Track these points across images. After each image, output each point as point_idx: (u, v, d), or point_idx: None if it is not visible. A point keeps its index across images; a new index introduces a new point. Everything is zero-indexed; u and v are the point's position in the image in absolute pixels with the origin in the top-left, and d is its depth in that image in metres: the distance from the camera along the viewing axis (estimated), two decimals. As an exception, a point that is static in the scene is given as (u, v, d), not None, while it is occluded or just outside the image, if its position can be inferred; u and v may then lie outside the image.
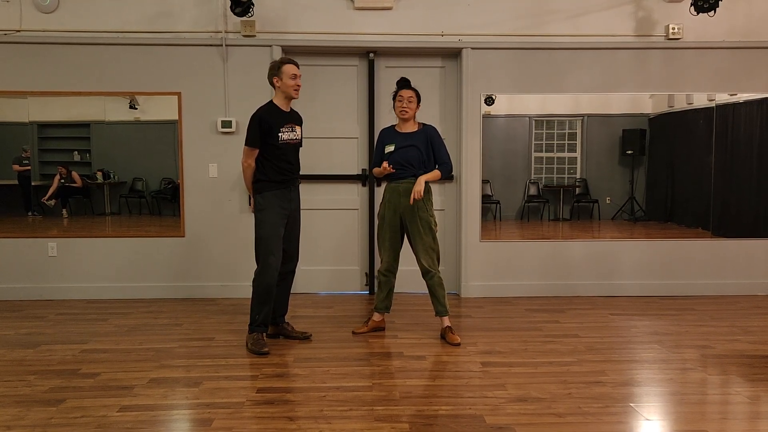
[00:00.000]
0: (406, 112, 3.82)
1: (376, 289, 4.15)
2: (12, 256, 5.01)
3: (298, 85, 3.69)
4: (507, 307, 4.78)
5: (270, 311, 3.73)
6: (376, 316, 4.08)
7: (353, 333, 4.03)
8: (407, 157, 3.80)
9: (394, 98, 3.89)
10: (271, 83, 3.70)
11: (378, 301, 4.03)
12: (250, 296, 3.75)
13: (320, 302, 4.92)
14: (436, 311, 3.90)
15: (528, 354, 3.60)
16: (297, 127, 3.77)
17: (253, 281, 3.69)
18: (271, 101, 3.74)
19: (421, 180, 3.71)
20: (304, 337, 3.91)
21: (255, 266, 5.04)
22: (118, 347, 3.73)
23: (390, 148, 3.85)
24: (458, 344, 3.76)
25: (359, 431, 2.57)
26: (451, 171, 3.84)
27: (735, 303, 4.93)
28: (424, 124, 3.91)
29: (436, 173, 3.80)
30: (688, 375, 3.26)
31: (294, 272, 3.92)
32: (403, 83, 3.87)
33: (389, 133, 3.93)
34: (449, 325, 3.89)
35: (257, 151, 3.65)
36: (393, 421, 2.65)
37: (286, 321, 3.98)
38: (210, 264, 5.09)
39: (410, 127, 3.89)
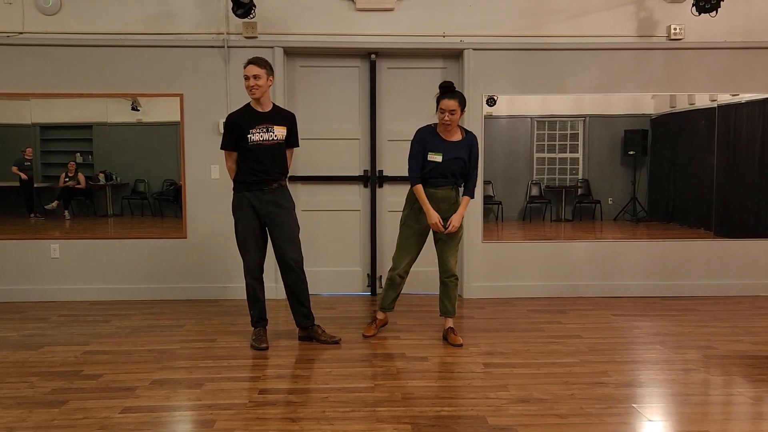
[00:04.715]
0: (449, 125, 3.63)
1: (383, 288, 4.06)
2: (14, 257, 5.02)
3: (251, 86, 3.59)
4: (509, 308, 4.77)
5: (261, 308, 3.80)
6: (380, 314, 4.06)
7: (364, 336, 3.98)
8: (452, 168, 3.70)
9: (437, 101, 3.66)
10: None
11: (388, 301, 3.98)
12: None
13: (322, 303, 4.91)
14: (443, 311, 3.89)
15: (530, 355, 3.60)
16: (276, 126, 3.67)
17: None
18: (248, 102, 3.75)
19: (461, 217, 3.73)
20: (333, 342, 3.84)
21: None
22: (120, 349, 3.73)
23: (437, 158, 3.65)
24: (460, 345, 3.76)
25: (361, 432, 2.57)
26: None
27: (737, 303, 4.92)
28: (467, 131, 3.76)
29: (466, 204, 3.78)
30: (691, 376, 3.25)
31: (296, 275, 3.73)
32: (445, 90, 3.60)
33: (432, 138, 3.70)
34: (452, 326, 3.89)
35: (234, 153, 3.71)
36: (395, 422, 2.65)
37: (317, 324, 3.90)
38: (212, 265, 5.09)
39: (456, 135, 3.72)
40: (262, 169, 3.65)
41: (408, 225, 3.82)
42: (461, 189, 3.85)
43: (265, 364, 3.45)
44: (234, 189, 3.74)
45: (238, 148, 3.66)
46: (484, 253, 5.16)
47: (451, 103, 3.57)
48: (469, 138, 3.76)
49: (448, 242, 3.79)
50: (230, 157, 3.72)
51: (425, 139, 3.71)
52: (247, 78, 3.60)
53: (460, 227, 3.81)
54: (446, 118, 3.60)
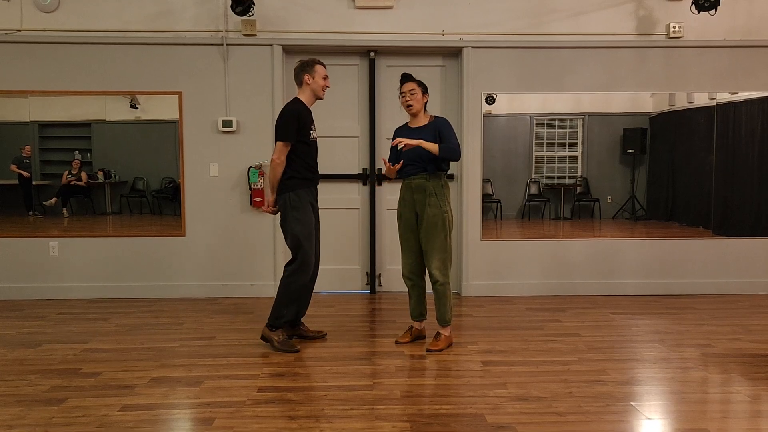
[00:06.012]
0: (412, 105, 3.68)
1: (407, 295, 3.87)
2: (13, 255, 5.01)
3: (327, 86, 3.73)
4: (508, 306, 4.78)
5: (296, 310, 3.71)
6: (416, 324, 3.85)
7: (396, 342, 3.81)
8: (417, 152, 3.63)
9: (400, 96, 3.76)
10: (300, 80, 3.66)
11: (410, 309, 3.83)
12: (277, 292, 3.63)
13: (321, 301, 4.92)
14: (436, 317, 3.73)
15: (529, 353, 3.60)
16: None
17: (287, 277, 3.60)
18: (297, 99, 3.68)
19: (419, 141, 3.53)
20: (320, 337, 3.88)
21: (255, 266, 5.07)
22: (119, 346, 3.73)
23: (400, 145, 3.70)
24: (430, 351, 3.61)
25: (360, 430, 2.57)
26: (458, 155, 3.63)
27: (736, 302, 4.93)
28: (435, 117, 3.75)
29: (434, 145, 3.56)
30: (689, 374, 3.26)
31: (317, 268, 3.81)
32: (404, 78, 3.73)
33: (401, 131, 3.80)
34: (442, 332, 3.71)
35: (290, 147, 3.58)
36: (394, 420, 2.65)
37: (301, 321, 3.92)
38: (211, 263, 5.09)
39: (420, 121, 3.73)
40: (315, 166, 3.75)
41: (398, 217, 3.79)
42: (441, 180, 3.67)
43: (263, 362, 3.45)
44: (291, 186, 3.60)
45: (296, 143, 3.59)
46: (483, 252, 5.16)
47: (408, 84, 3.68)
48: (436, 122, 3.70)
49: (426, 240, 3.63)
50: (287, 150, 3.57)
51: (396, 134, 3.82)
52: (326, 78, 3.70)
53: (442, 229, 3.60)
54: (407, 98, 3.68)
